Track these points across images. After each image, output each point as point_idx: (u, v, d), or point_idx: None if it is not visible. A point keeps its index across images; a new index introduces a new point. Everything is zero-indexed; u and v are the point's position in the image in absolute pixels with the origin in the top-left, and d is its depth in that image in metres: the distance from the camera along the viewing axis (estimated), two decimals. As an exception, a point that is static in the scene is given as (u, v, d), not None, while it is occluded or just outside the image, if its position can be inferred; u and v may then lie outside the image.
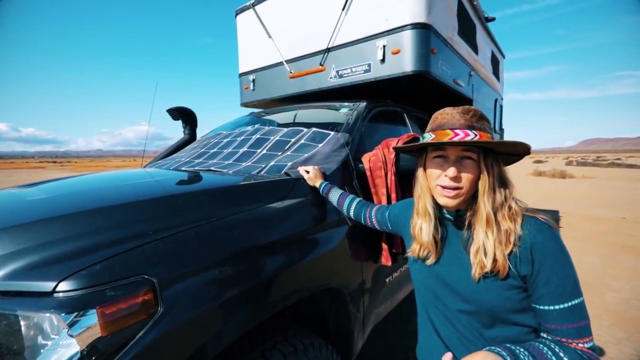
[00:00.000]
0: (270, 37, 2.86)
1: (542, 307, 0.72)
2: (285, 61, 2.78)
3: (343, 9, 2.33)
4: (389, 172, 1.56)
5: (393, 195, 1.56)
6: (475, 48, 3.29)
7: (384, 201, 1.55)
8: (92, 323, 0.69)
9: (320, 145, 1.68)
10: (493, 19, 4.01)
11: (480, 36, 3.51)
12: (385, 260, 1.56)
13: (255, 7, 2.93)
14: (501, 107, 5.00)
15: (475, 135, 0.77)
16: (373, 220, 1.20)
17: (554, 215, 7.36)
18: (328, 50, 2.49)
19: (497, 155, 0.81)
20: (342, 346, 1.42)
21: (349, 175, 1.61)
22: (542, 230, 0.74)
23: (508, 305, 0.76)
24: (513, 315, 0.77)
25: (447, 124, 0.81)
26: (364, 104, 2.04)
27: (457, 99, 2.98)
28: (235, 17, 3.20)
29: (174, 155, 2.38)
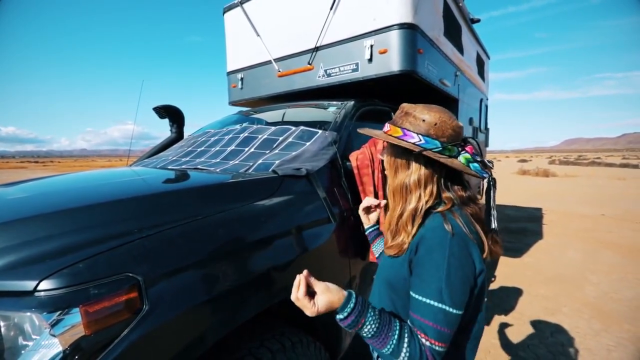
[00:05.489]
0: (258, 35, 2.84)
1: (410, 293, 0.78)
2: (274, 60, 2.77)
3: (331, 8, 2.34)
4: (376, 170, 1.58)
5: (380, 193, 1.58)
6: (460, 49, 3.34)
7: (371, 199, 1.57)
8: (75, 322, 0.68)
9: (308, 143, 1.69)
10: (478, 20, 4.08)
11: (466, 37, 3.58)
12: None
13: (243, 5, 2.90)
14: (486, 107, 5.10)
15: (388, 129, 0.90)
16: None
17: (537, 212, 7.55)
18: (316, 49, 2.50)
19: None
20: (330, 343, 1.43)
21: (337, 173, 1.62)
22: (435, 229, 0.78)
23: (400, 283, 0.84)
24: (406, 296, 0.81)
25: None
26: (352, 102, 2.06)
27: (444, 98, 3.02)
28: (223, 14, 3.17)
29: (161, 154, 2.35)
